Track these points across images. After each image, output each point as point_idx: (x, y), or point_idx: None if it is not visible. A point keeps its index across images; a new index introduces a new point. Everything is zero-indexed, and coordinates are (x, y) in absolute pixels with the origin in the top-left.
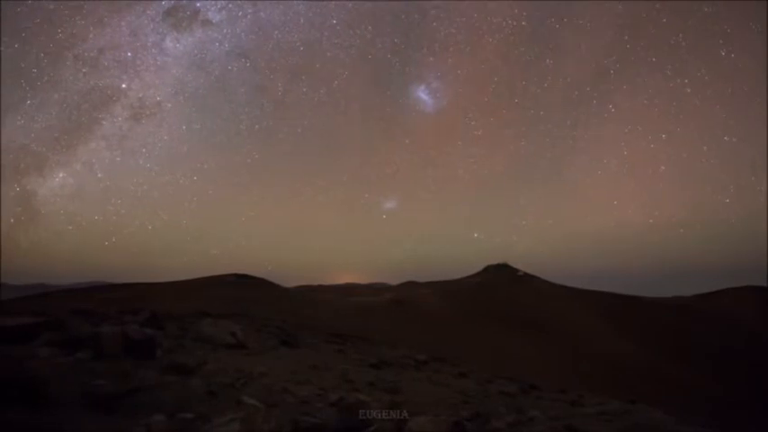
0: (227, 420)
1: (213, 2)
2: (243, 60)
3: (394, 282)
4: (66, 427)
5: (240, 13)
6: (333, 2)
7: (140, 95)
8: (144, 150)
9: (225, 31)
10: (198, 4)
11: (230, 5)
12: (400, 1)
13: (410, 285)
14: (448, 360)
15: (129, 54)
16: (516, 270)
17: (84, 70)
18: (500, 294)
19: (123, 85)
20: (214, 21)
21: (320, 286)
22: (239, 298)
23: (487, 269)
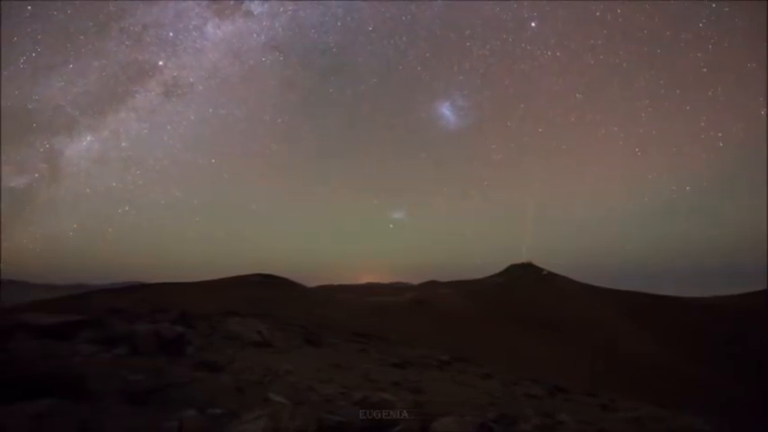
0: (255, 417)
1: None
2: (276, 54)
3: (415, 281)
4: (106, 420)
5: (281, 9)
6: (371, 9)
7: (175, 74)
8: (169, 127)
9: (264, 23)
10: None
11: (273, 1)
12: (438, 18)
13: (431, 285)
14: (471, 361)
15: (171, 34)
16: (541, 269)
17: (126, 43)
18: (524, 294)
19: (160, 63)
20: (255, 12)
21: (341, 286)
22: (263, 297)
23: (511, 268)
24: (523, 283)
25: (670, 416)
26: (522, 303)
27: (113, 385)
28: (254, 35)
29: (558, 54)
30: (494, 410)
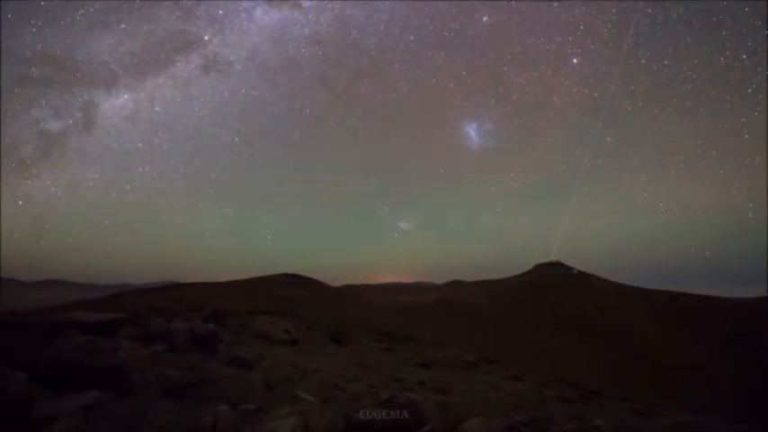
0: (285, 414)
1: None
2: (316, 48)
3: (439, 281)
4: (147, 413)
5: (329, 6)
6: (416, 20)
7: (217, 51)
8: (202, 99)
9: (310, 17)
10: None
11: None
12: (480, 39)
13: (456, 284)
14: (498, 362)
15: (221, 12)
16: (570, 268)
17: (177, 14)
18: (552, 294)
19: (206, 37)
20: (304, 5)
21: (365, 285)
22: (290, 297)
23: (538, 267)
24: (551, 282)
25: (712, 423)
26: (550, 303)
27: (153, 380)
28: (299, 26)
29: (595, 94)
30: (523, 413)
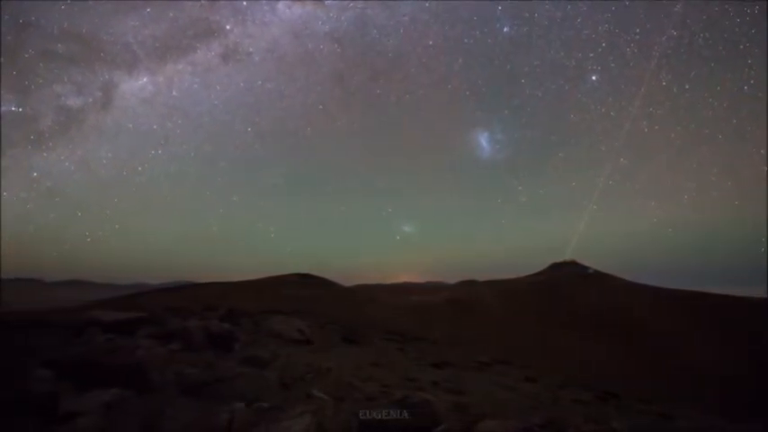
0: (300, 412)
1: None
2: (335, 45)
3: (451, 280)
4: (166, 410)
5: (351, 5)
6: (437, 25)
7: (237, 41)
8: (218, 87)
9: (331, 14)
10: None
11: None
12: (500, 48)
13: (468, 284)
14: (512, 362)
15: (245, 3)
16: (586, 268)
17: (202, 2)
18: (567, 293)
19: (228, 27)
20: (326, 3)
21: (377, 285)
22: (303, 296)
23: (552, 267)
24: (566, 281)
25: (730, 427)
26: (566, 303)
27: (171, 378)
28: (320, 23)
29: (611, 113)
30: (539, 415)
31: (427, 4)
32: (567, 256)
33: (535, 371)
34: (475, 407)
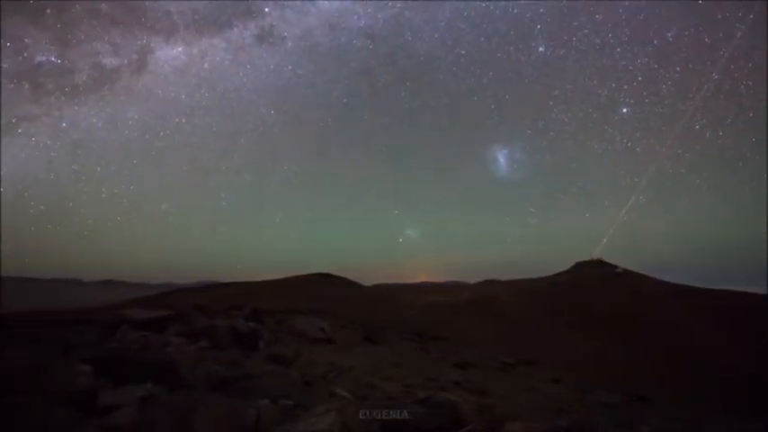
0: (324, 410)
1: None
2: (368, 41)
3: (471, 280)
4: (196, 405)
5: (389, 4)
6: (472, 35)
7: (274, 24)
8: (249, 67)
9: (369, 10)
10: None
11: None
12: (532, 67)
13: (489, 284)
14: (536, 364)
15: None
16: (614, 267)
17: None
18: (593, 293)
19: (266, 9)
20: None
21: (397, 285)
22: (323, 296)
23: (578, 266)
24: (593, 281)
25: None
26: (592, 303)
27: (200, 374)
28: (355, 17)
29: (637, 149)
30: (565, 418)
31: (465, 13)
32: (594, 254)
33: (560, 373)
34: (499, 408)
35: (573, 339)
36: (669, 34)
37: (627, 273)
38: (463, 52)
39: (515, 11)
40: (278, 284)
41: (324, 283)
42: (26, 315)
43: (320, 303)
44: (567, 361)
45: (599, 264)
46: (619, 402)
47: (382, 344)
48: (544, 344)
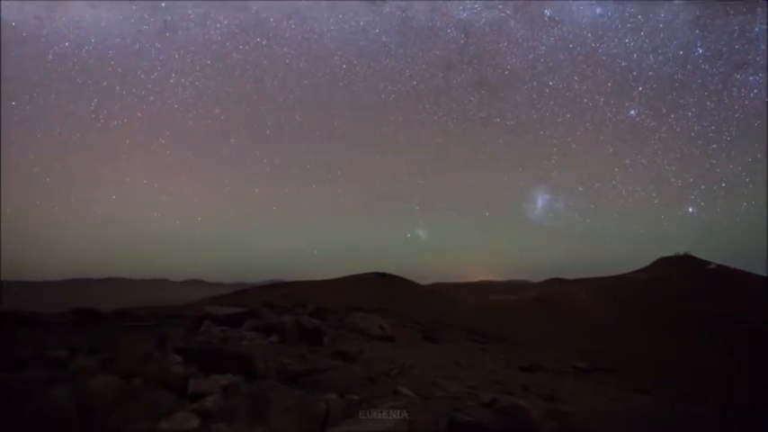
0: (389, 408)
1: None
2: (462, 35)
3: (535, 279)
4: (270, 395)
5: (499, 5)
6: (567, 69)
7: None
8: (341, 16)
9: (476, 6)
10: None
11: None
12: (616, 128)
13: (555, 282)
14: (616, 371)
15: None
16: (706, 262)
17: None
18: (680, 292)
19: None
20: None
21: (455, 284)
22: (381, 294)
23: (660, 262)
24: (679, 278)
25: None
26: (682, 304)
27: (273, 367)
28: (460, 8)
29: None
30: None
31: (571, 45)
32: (681, 249)
33: (642, 381)
34: (576, 417)
35: (657, 344)
36: None
37: (721, 269)
38: (551, 83)
39: (623, 63)
40: (337, 283)
41: (381, 282)
42: (134, 311)
43: (378, 302)
44: (650, 368)
45: (687, 259)
46: (715, 416)
47: (442, 343)
48: (625, 349)
